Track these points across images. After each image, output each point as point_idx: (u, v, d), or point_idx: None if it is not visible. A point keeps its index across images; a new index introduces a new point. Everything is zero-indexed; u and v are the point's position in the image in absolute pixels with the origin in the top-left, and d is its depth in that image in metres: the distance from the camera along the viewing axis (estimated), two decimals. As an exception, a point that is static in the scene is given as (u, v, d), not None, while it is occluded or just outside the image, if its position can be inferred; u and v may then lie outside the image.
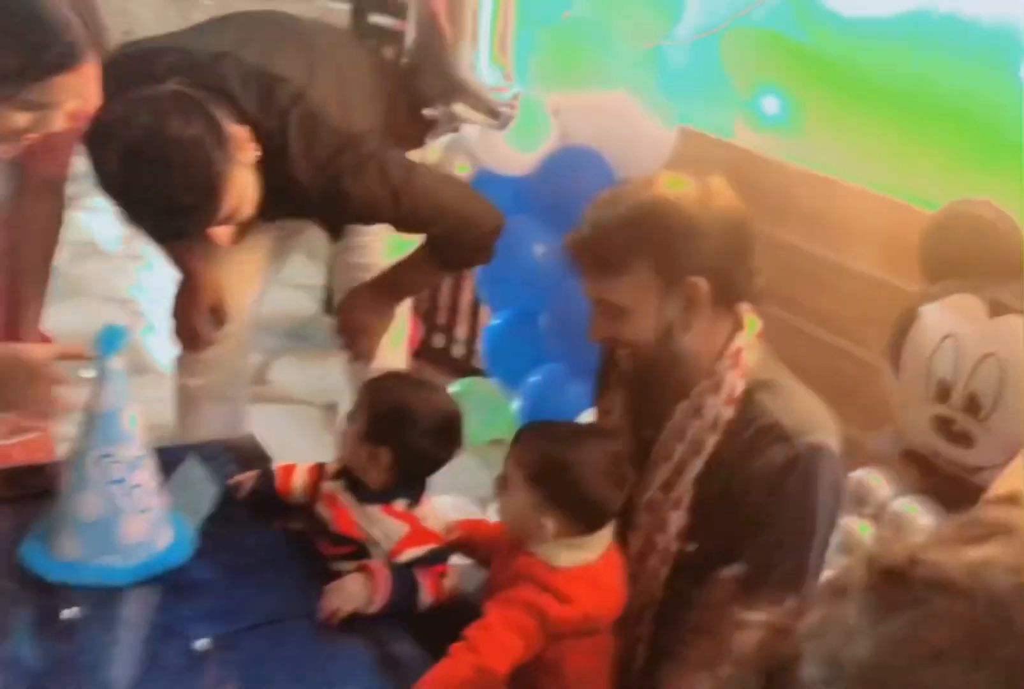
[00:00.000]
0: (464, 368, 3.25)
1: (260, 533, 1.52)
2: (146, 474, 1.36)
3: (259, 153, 1.62)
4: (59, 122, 1.37)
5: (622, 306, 1.35)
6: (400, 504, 1.44)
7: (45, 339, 1.66)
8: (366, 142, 1.72)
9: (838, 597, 0.37)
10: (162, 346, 2.20)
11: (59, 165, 1.64)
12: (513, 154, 2.50)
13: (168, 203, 1.53)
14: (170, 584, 1.38)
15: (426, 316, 3.51)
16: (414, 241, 1.92)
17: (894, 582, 0.36)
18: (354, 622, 1.33)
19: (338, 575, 1.38)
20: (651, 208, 1.32)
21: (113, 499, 1.33)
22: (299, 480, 1.56)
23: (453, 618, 1.38)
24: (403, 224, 1.82)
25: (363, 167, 1.69)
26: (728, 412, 1.36)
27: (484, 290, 2.63)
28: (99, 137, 1.53)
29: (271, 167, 1.63)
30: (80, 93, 1.35)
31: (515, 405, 2.66)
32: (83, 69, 1.31)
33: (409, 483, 1.46)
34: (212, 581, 1.40)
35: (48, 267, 1.77)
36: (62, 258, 1.89)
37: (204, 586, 1.39)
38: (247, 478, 1.57)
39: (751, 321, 1.43)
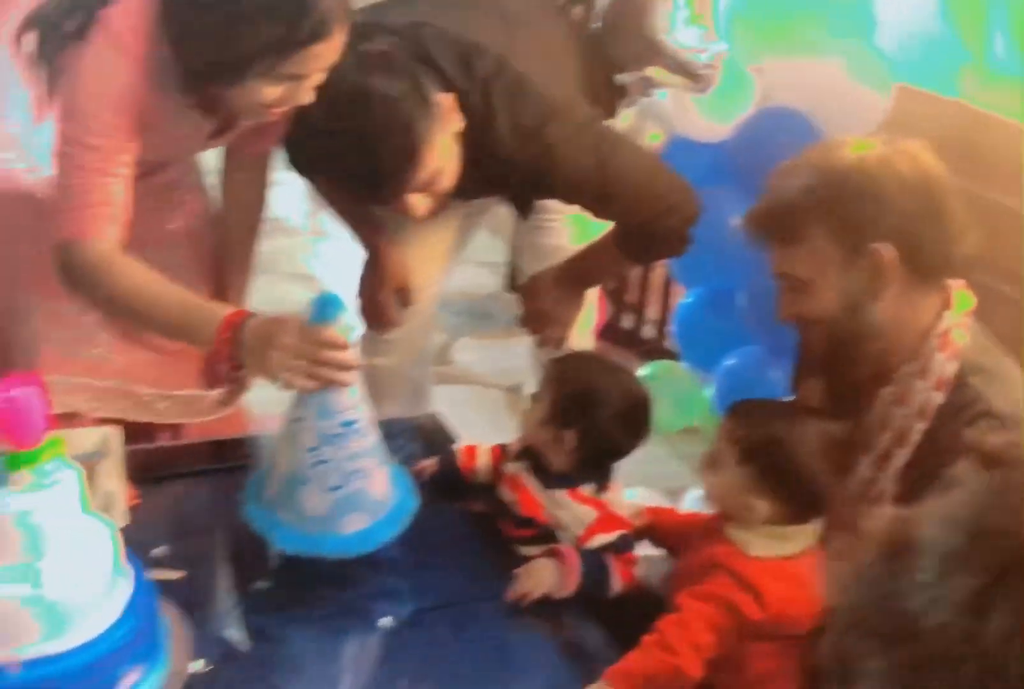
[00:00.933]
0: (654, 350, 3.26)
1: (443, 514, 1.59)
2: (344, 453, 1.38)
3: (463, 124, 1.64)
4: (307, 95, 1.46)
5: (803, 278, 1.35)
6: (587, 489, 1.47)
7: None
8: (574, 111, 1.73)
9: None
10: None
11: (269, 140, 1.72)
12: (710, 119, 2.48)
13: (364, 162, 1.55)
14: (355, 561, 1.46)
15: (614, 294, 3.54)
16: (603, 225, 1.93)
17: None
18: (539, 606, 1.38)
19: (523, 559, 1.43)
20: (828, 172, 1.32)
21: (299, 466, 1.36)
22: (482, 461, 1.62)
23: (637, 605, 1.42)
24: (602, 203, 1.79)
25: (572, 138, 1.68)
26: (937, 398, 1.33)
27: (677, 266, 2.63)
28: None
29: (473, 139, 1.65)
30: (328, 63, 1.43)
31: (709, 391, 2.66)
32: (334, 38, 1.39)
33: (594, 468, 1.49)
34: (397, 559, 1.48)
35: (253, 243, 1.87)
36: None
37: (389, 564, 1.46)
38: (429, 465, 1.65)
39: (962, 298, 1.39)
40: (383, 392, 2.20)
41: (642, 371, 2.91)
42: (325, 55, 1.42)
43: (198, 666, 1.22)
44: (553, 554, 1.41)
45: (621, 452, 1.50)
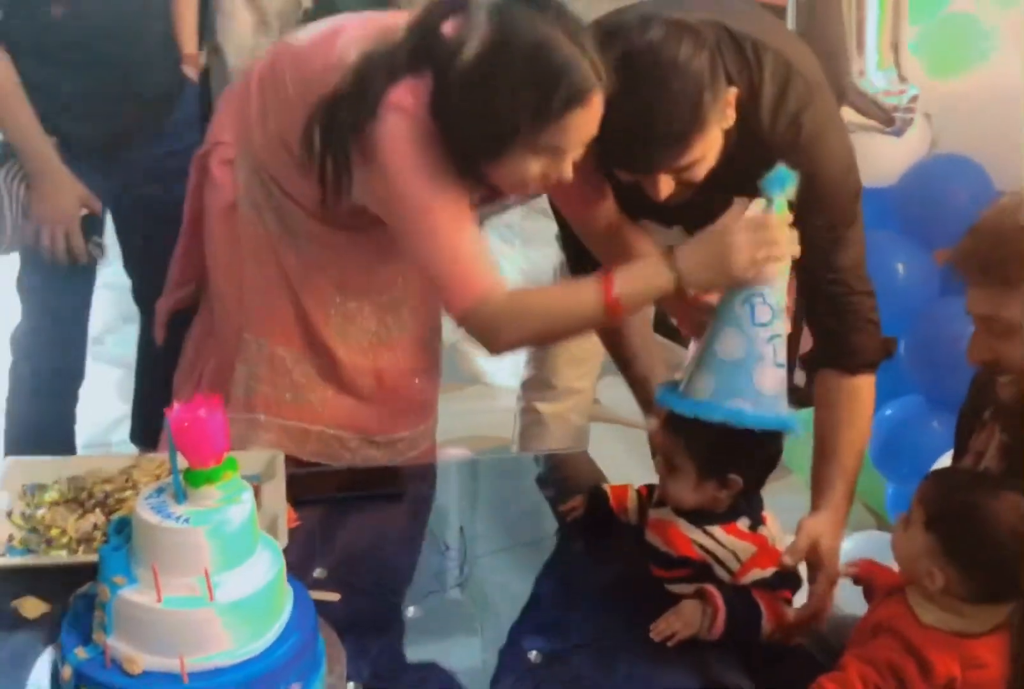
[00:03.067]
0: (805, 398, 3.21)
1: (593, 553, 1.62)
2: (786, 328, 1.44)
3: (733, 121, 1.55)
4: (568, 171, 1.47)
5: (1013, 323, 1.31)
6: (743, 523, 1.48)
7: None
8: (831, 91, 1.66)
9: None
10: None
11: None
12: (879, 163, 2.47)
13: (643, 125, 1.46)
14: (504, 594, 1.51)
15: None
16: None
17: None
18: (687, 648, 1.39)
19: (675, 598, 1.45)
20: None
21: (754, 342, 1.41)
22: (632, 501, 1.64)
23: (790, 656, 1.42)
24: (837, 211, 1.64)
25: (830, 125, 1.61)
26: None
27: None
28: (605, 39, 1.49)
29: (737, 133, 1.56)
30: (588, 136, 1.44)
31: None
32: (592, 106, 1.41)
33: (747, 501, 1.50)
34: (546, 596, 1.51)
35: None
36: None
37: (538, 600, 1.50)
38: (578, 504, 1.67)
39: None
40: (542, 435, 2.24)
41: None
42: (584, 125, 1.43)
43: (351, 687, 1.27)
44: (701, 594, 1.42)
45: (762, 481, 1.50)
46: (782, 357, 1.42)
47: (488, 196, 1.64)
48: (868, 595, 1.48)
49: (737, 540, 1.47)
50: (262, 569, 1.23)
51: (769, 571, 1.44)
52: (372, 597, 1.47)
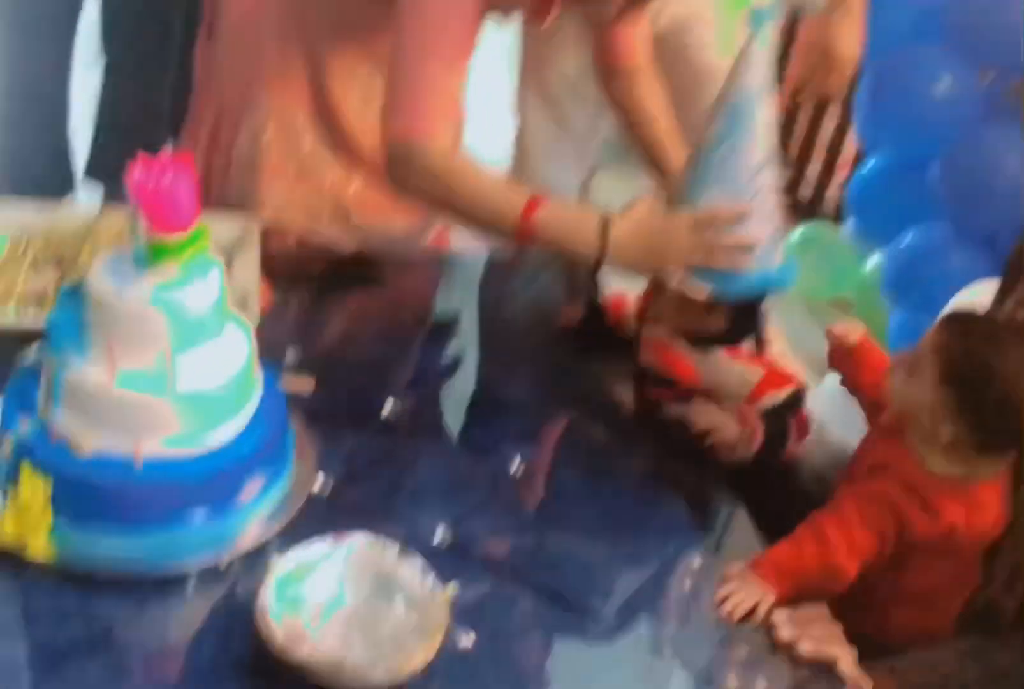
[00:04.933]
0: (810, 212, 3.08)
1: (581, 366, 1.50)
2: (770, 181, 1.32)
3: None
4: None
5: None
6: (745, 346, 1.37)
7: None
8: None
9: None
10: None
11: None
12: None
13: None
14: (485, 401, 1.40)
15: (798, 157, 3.32)
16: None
17: None
18: (676, 469, 1.31)
19: (671, 422, 1.35)
20: None
21: (739, 197, 1.30)
22: (630, 312, 1.52)
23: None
24: None
25: None
26: None
27: (865, 127, 2.42)
28: None
29: None
30: None
31: (869, 263, 2.49)
32: None
33: (748, 322, 1.38)
34: (534, 402, 1.41)
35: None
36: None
37: (523, 406, 1.40)
38: (575, 312, 1.56)
39: None
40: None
41: (794, 233, 2.75)
42: None
43: (320, 485, 1.17)
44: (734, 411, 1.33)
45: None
46: (767, 209, 1.31)
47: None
48: (842, 365, 1.40)
49: (743, 364, 1.36)
50: (230, 350, 1.10)
51: (784, 392, 1.34)
52: (349, 389, 1.35)
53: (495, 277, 1.72)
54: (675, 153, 1.60)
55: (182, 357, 1.05)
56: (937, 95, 2.23)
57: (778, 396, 1.34)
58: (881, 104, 2.31)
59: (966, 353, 1.20)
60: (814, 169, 3.21)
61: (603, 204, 3.16)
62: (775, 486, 1.38)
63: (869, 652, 1.09)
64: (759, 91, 1.29)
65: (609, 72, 1.63)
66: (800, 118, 3.25)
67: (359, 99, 1.62)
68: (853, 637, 1.10)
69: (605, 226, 1.33)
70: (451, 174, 1.36)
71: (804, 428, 1.37)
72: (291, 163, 1.63)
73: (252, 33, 1.60)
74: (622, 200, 2.08)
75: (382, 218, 1.69)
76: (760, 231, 1.31)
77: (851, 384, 1.40)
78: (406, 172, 1.38)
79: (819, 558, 1.16)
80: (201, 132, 1.68)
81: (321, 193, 1.66)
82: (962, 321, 1.27)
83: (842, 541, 1.17)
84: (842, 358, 1.39)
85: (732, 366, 1.36)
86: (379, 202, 1.67)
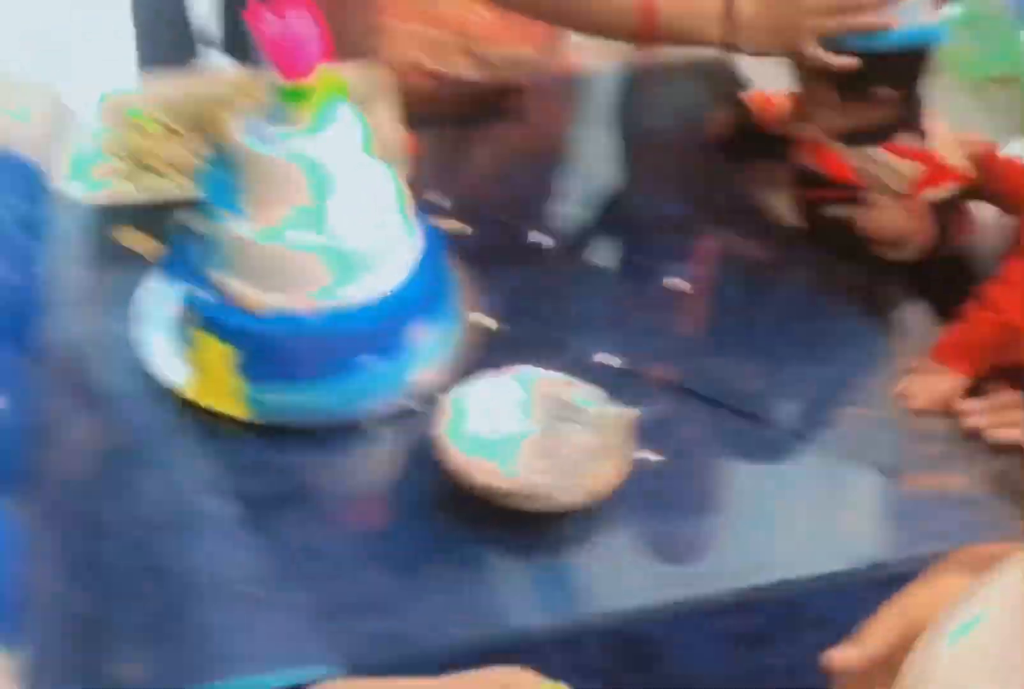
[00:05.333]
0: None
1: (735, 175, 1.44)
2: None
3: None
4: None
5: None
6: (904, 140, 1.29)
7: None
8: None
9: None
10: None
11: None
12: None
13: None
14: (643, 222, 1.37)
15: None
16: None
17: None
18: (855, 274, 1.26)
19: (831, 221, 1.29)
20: None
21: None
22: (781, 111, 1.44)
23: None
24: None
25: None
26: None
27: None
28: None
29: None
30: None
31: (1034, 34, 2.29)
32: None
33: (906, 111, 1.29)
34: (688, 218, 1.37)
35: None
36: None
37: (677, 223, 1.36)
38: (722, 119, 1.48)
39: None
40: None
41: (955, 7, 2.54)
42: None
43: (487, 323, 1.18)
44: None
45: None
46: None
47: None
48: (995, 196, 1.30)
49: (900, 160, 1.28)
50: (379, 197, 1.10)
51: (948, 190, 1.26)
52: (502, 225, 1.34)
53: (633, 90, 1.64)
54: None
55: (332, 204, 1.05)
56: None
57: (939, 193, 1.26)
58: None
59: None
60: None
61: None
62: (953, 281, 1.32)
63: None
64: None
65: None
66: None
67: None
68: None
69: (729, 3, 1.24)
70: None
71: (967, 224, 1.29)
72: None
73: None
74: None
75: (508, 45, 1.64)
76: None
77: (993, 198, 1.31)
78: None
79: (994, 324, 1.11)
80: None
81: (444, 26, 1.61)
82: None
83: (1014, 302, 1.10)
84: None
85: (891, 163, 1.28)
86: (503, 29, 1.61)
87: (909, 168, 1.27)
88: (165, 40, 2.32)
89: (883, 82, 1.25)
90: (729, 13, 1.24)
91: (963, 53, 2.48)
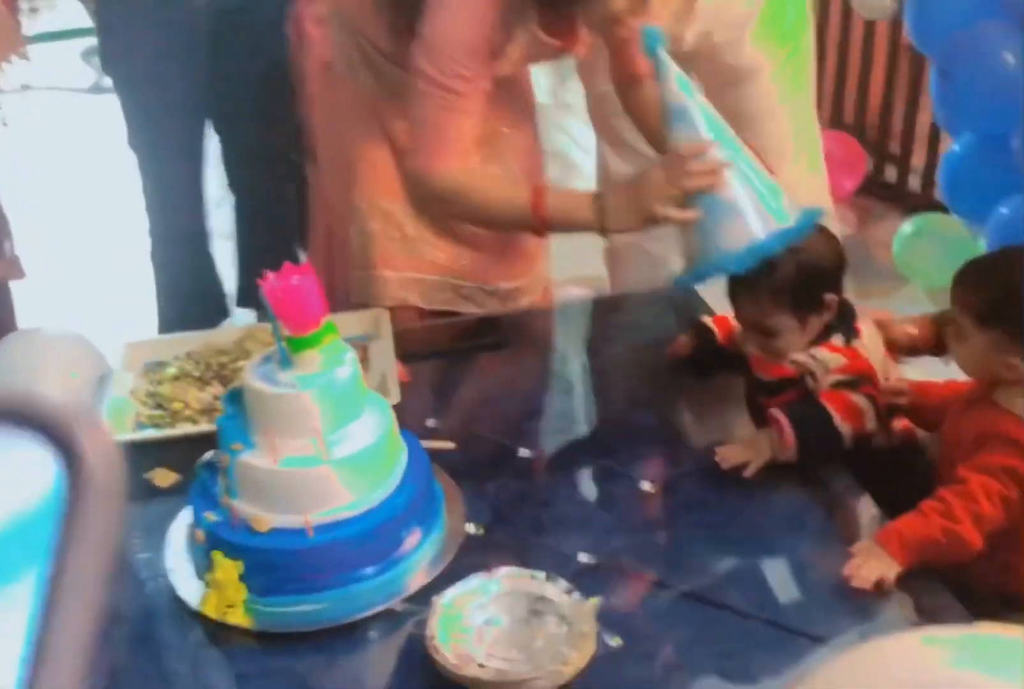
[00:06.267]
0: (921, 203, 3.10)
1: (699, 386, 1.61)
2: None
3: None
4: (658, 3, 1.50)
5: None
6: (838, 340, 1.46)
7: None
8: None
9: None
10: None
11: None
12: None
13: None
14: (613, 430, 1.53)
15: (876, 145, 3.36)
16: None
17: None
18: (795, 469, 1.39)
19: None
20: None
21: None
22: (739, 329, 1.62)
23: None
24: None
25: None
26: None
27: (941, 110, 2.46)
28: None
29: None
30: None
31: (982, 243, 2.51)
32: None
33: (839, 315, 1.46)
34: (655, 428, 1.52)
35: None
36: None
37: (646, 432, 1.51)
38: (684, 342, 1.65)
39: None
40: (626, 270, 2.22)
41: (909, 225, 2.78)
42: None
43: (471, 529, 1.31)
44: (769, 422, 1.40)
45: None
46: (754, 172, 1.42)
47: (562, 49, 1.64)
48: (919, 418, 1.46)
49: (829, 353, 1.44)
50: (373, 425, 1.26)
51: (852, 376, 1.42)
52: (487, 443, 1.50)
53: (603, 317, 1.85)
54: None
55: (333, 435, 1.22)
56: (1006, 68, 2.26)
57: (842, 378, 1.41)
58: (952, 85, 2.35)
59: (982, 290, 1.28)
60: (918, 160, 3.24)
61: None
62: (899, 477, 1.43)
63: (998, 605, 1.14)
64: (684, 95, 1.44)
65: (625, 84, 1.76)
66: (895, 113, 3.29)
67: None
68: (984, 590, 1.16)
69: (598, 198, 1.52)
70: (460, 192, 1.59)
71: (850, 405, 1.39)
72: (400, 250, 1.80)
73: (337, 142, 1.81)
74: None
75: (491, 281, 1.85)
76: (749, 195, 1.41)
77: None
78: (426, 198, 1.65)
79: (944, 531, 1.21)
80: (320, 240, 1.89)
81: (434, 270, 1.82)
82: (967, 269, 1.34)
83: (967, 515, 1.21)
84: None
85: (822, 355, 1.44)
86: (487, 268, 1.84)
87: (834, 360, 1.43)
88: (190, 298, 2.55)
89: (824, 284, 1.44)
90: (599, 207, 1.51)
91: (922, 265, 2.71)
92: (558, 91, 4.31)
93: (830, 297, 1.44)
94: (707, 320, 1.66)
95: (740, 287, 1.46)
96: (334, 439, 1.22)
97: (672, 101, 1.45)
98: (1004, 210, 2.30)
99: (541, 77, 4.58)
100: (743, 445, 1.39)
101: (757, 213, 1.41)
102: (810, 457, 1.37)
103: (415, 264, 1.81)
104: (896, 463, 1.45)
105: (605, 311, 1.87)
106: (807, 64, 2.04)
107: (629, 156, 2.11)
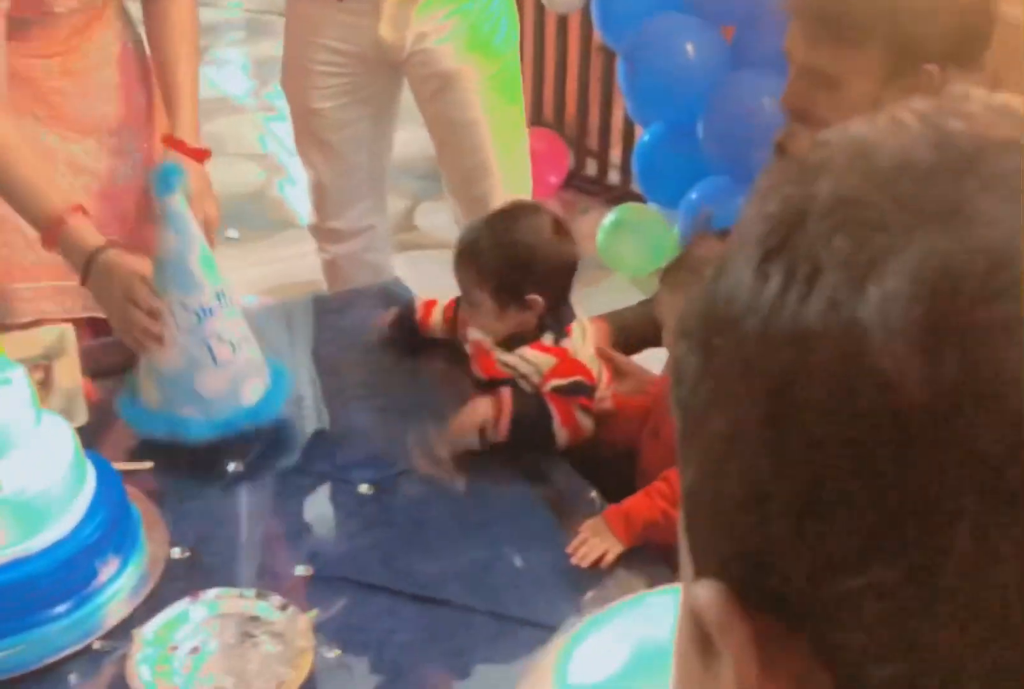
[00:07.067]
0: (621, 195, 3.21)
1: (408, 377, 1.58)
2: (225, 324, 1.38)
3: None
4: None
5: (833, 76, 1.25)
6: (548, 339, 1.45)
7: (202, 153, 1.68)
8: None
9: None
10: (303, 199, 2.26)
11: None
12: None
13: None
14: (321, 435, 1.46)
15: (576, 141, 3.46)
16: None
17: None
18: (517, 464, 1.38)
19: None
20: None
21: (187, 349, 1.36)
22: (438, 315, 1.60)
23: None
24: None
25: None
26: None
27: (632, 102, 2.55)
28: None
29: None
30: None
31: (676, 231, 2.61)
32: None
33: (554, 316, 1.46)
34: (368, 427, 1.47)
35: (195, 67, 1.71)
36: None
37: (360, 432, 1.46)
38: (388, 315, 1.64)
39: None
40: (345, 280, 2.17)
41: (610, 216, 2.86)
42: None
43: (176, 553, 1.22)
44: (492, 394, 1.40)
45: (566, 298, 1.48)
46: (225, 354, 1.37)
47: None
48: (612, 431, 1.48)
49: (540, 354, 1.44)
50: (50, 451, 1.14)
51: (568, 380, 1.42)
52: (191, 459, 1.40)
53: (321, 316, 1.79)
54: (186, 106, 1.65)
55: (5, 463, 1.09)
56: (688, 56, 2.36)
57: (561, 382, 1.41)
58: (638, 77, 2.43)
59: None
60: (616, 154, 3.35)
61: (428, 230, 3.29)
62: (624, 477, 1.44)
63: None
64: (185, 249, 1.35)
65: None
66: (591, 108, 3.40)
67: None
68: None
69: (89, 258, 1.42)
70: None
71: (570, 410, 1.40)
72: (24, 257, 1.63)
73: None
74: (448, 226, 2.20)
75: None
76: (216, 377, 1.37)
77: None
78: None
79: (664, 514, 1.22)
80: None
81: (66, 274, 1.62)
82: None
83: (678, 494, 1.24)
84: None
85: (530, 355, 1.44)
86: None
87: (545, 361, 1.43)
88: None
89: (532, 285, 1.42)
90: (86, 267, 1.42)
91: (624, 254, 2.80)
92: (260, 93, 4.21)
93: (533, 298, 1.42)
94: (416, 302, 1.65)
95: (462, 249, 1.46)
96: (3, 469, 1.09)
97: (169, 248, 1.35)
98: (694, 195, 2.40)
99: (240, 78, 4.47)
100: (462, 410, 1.35)
101: (213, 393, 1.37)
102: (520, 442, 1.37)
103: (46, 272, 1.64)
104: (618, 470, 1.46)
105: (321, 310, 1.80)
106: (516, 76, 2.05)
107: (341, 169, 2.07)
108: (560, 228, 1.46)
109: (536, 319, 1.45)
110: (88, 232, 1.45)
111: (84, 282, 1.44)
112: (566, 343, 1.45)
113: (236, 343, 1.39)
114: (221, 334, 1.37)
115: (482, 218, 1.50)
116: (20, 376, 1.15)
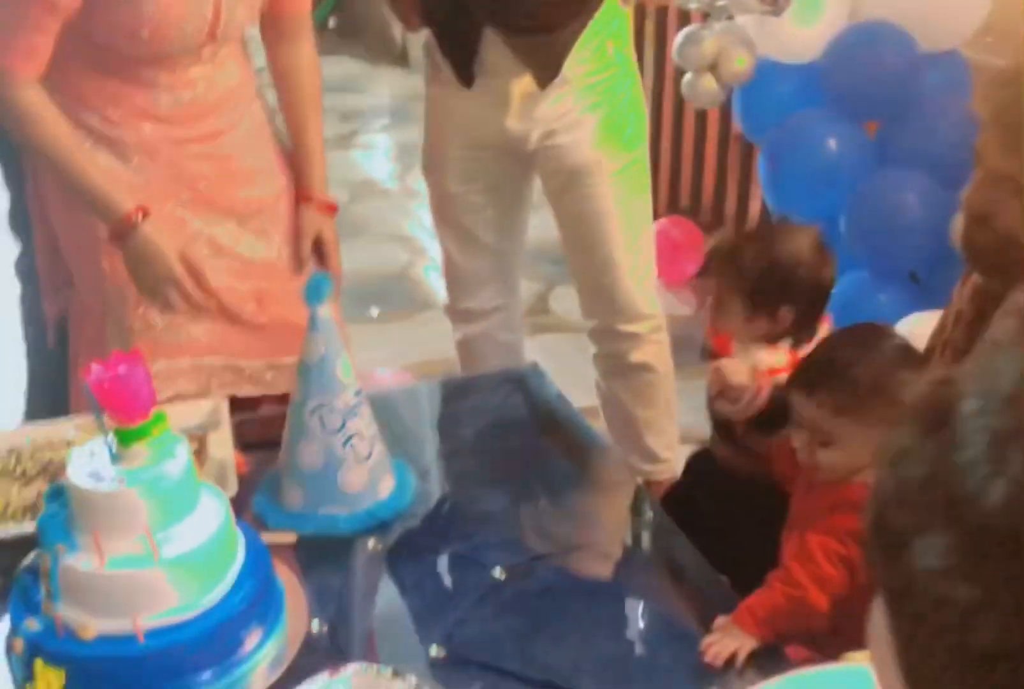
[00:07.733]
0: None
1: (546, 461, 1.60)
2: (363, 422, 1.44)
3: None
4: None
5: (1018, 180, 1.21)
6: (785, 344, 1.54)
7: (332, 208, 1.79)
8: None
9: (995, 349, 0.39)
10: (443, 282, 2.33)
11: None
12: (797, 37, 2.41)
13: None
14: (460, 517, 1.49)
15: (712, 229, 3.48)
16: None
17: None
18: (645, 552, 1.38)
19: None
20: None
21: (332, 449, 1.42)
22: None
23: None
24: None
25: None
26: None
27: (772, 194, 2.57)
28: None
29: None
30: None
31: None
32: None
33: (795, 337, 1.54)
34: (502, 511, 1.49)
35: (319, 115, 1.82)
36: (340, 198, 1.97)
37: (496, 516, 1.48)
38: None
39: None
40: (477, 359, 2.22)
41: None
42: None
43: (315, 626, 1.25)
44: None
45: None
46: (364, 450, 1.43)
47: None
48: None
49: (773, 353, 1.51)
50: (207, 521, 1.20)
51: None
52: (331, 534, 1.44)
53: (453, 400, 1.83)
54: (316, 163, 1.79)
55: (162, 532, 1.15)
56: (831, 153, 2.38)
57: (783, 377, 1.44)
58: (781, 169, 2.46)
59: (838, 382, 1.31)
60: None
61: (562, 315, 3.32)
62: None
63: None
64: (332, 353, 1.40)
65: (273, 37, 1.77)
66: (728, 197, 3.43)
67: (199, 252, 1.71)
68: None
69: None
70: (40, 115, 1.57)
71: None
72: (157, 337, 1.72)
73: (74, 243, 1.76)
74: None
75: (277, 357, 1.78)
76: (358, 474, 1.43)
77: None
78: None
79: (789, 599, 1.23)
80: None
81: (200, 351, 1.74)
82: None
83: (809, 580, 1.23)
84: None
85: (766, 356, 1.51)
86: (262, 344, 1.77)
87: (778, 358, 1.49)
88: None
89: (785, 299, 1.50)
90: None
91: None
92: (405, 177, 4.36)
93: (784, 312, 1.50)
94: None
95: (723, 254, 1.58)
96: (164, 537, 1.15)
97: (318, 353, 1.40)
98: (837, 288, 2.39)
99: (385, 163, 4.64)
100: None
101: (355, 488, 1.44)
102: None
103: (185, 350, 1.73)
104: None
105: (454, 394, 1.84)
106: (644, 170, 2.06)
107: (473, 251, 2.12)
108: (822, 251, 1.52)
109: (780, 334, 1.52)
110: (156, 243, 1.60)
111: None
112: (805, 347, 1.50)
113: (371, 439, 1.45)
114: (362, 432, 1.43)
115: (740, 229, 1.61)
116: (183, 449, 1.21)
